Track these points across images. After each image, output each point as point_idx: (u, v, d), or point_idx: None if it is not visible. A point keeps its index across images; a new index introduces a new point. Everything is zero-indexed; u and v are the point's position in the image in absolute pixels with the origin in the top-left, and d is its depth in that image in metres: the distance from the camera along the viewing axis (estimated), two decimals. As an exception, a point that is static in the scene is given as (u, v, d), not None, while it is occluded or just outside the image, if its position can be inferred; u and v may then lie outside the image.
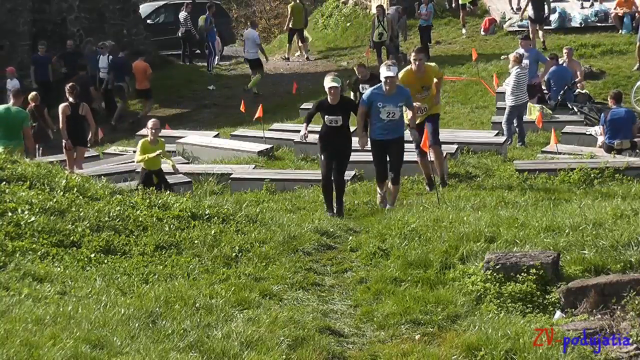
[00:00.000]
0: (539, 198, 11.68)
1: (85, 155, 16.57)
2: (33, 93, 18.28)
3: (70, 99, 15.16)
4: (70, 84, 15.80)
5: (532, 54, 18.42)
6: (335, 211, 11.62)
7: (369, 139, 11.76)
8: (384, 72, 11.36)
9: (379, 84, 11.69)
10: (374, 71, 18.38)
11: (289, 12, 28.24)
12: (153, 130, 13.48)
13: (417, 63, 12.48)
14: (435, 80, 12.72)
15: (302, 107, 20.92)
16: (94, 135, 15.83)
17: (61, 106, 15.28)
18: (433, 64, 13.29)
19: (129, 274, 8.78)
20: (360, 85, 17.90)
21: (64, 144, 15.36)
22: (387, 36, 24.83)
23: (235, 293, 8.15)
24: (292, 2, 28.20)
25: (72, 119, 15.12)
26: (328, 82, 11.57)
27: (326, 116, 11.63)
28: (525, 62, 17.39)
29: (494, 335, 7.06)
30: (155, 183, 12.94)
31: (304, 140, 12.18)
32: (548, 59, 19.13)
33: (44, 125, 18.46)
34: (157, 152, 13.40)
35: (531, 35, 21.55)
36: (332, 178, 11.66)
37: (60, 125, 15.27)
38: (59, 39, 25.24)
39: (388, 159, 11.75)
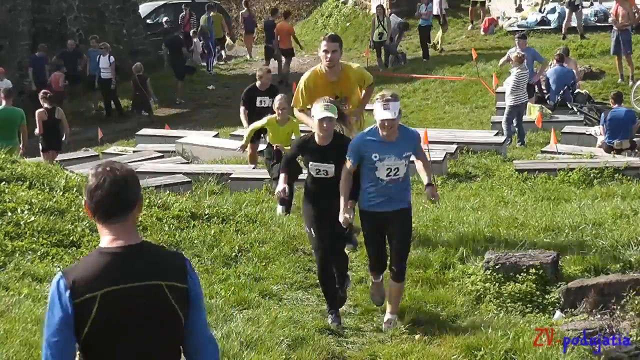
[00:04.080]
0: (539, 198, 11.68)
1: (85, 156, 16.65)
2: (137, 64, 22.84)
3: (46, 105, 15.67)
4: (43, 90, 16.56)
5: (529, 53, 18.43)
6: (337, 309, 7.84)
7: (354, 211, 7.63)
8: (379, 111, 7.18)
9: (370, 128, 7.44)
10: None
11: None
12: (280, 111, 11.52)
13: (328, 57, 8.58)
14: (354, 89, 9.00)
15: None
16: (67, 137, 16.24)
17: (38, 112, 15.82)
18: (357, 65, 9.33)
19: (128, 274, 8.77)
20: (258, 99, 13.47)
21: (40, 148, 15.89)
22: (387, 36, 24.83)
23: (235, 293, 8.15)
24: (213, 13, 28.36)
25: (49, 123, 15.64)
26: (319, 111, 7.45)
27: (311, 163, 7.59)
28: (525, 62, 17.40)
29: (493, 335, 7.06)
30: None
31: (282, 196, 8.28)
32: (545, 58, 19.16)
33: (145, 94, 22.16)
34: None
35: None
36: (331, 260, 7.76)
37: (37, 130, 15.74)
38: (59, 39, 25.24)
39: (387, 240, 7.66)
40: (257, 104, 13.45)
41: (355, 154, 7.34)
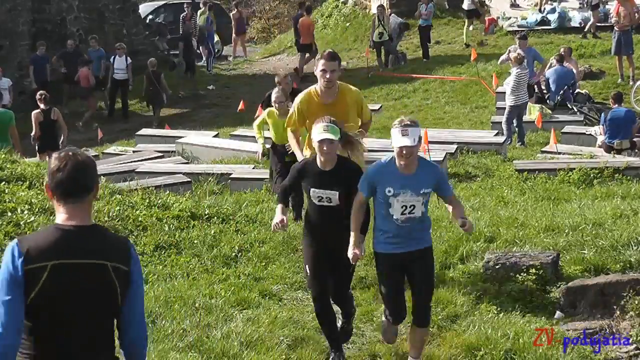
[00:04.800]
0: (539, 198, 11.68)
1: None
2: (152, 59, 23.13)
3: (42, 106, 15.76)
4: (40, 92, 16.49)
5: (530, 53, 18.44)
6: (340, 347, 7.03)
7: (365, 250, 6.88)
8: (397, 137, 6.35)
9: (387, 157, 6.64)
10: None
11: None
12: (277, 104, 11.12)
13: (327, 77, 7.62)
14: (352, 113, 7.91)
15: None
16: (65, 138, 16.26)
17: (33, 113, 15.91)
18: (355, 89, 8.15)
19: (128, 273, 8.78)
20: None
21: (36, 148, 15.99)
22: (387, 36, 24.83)
23: (235, 293, 8.15)
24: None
25: (45, 124, 15.74)
26: (318, 133, 6.65)
27: (313, 189, 6.77)
28: (524, 62, 17.41)
29: (493, 335, 7.07)
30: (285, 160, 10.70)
31: (279, 229, 6.91)
32: (545, 58, 19.17)
33: (159, 89, 22.13)
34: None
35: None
36: (331, 299, 6.99)
37: (33, 132, 15.88)
38: (59, 39, 25.24)
39: (407, 282, 6.80)
40: None
41: (368, 185, 6.52)
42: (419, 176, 6.44)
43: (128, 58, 23.26)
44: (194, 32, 27.34)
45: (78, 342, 3.89)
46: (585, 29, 24.26)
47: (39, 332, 3.86)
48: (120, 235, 4.46)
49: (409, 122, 6.37)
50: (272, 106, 11.66)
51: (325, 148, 6.61)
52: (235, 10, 29.26)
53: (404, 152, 6.32)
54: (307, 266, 6.89)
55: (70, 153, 3.96)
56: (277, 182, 10.91)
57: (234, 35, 29.65)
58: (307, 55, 25.53)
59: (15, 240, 3.89)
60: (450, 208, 6.67)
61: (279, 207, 6.87)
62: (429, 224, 6.80)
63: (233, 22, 29.58)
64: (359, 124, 8.01)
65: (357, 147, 7.00)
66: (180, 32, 27.37)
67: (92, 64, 23.34)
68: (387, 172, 6.44)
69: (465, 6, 25.90)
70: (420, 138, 6.41)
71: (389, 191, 6.41)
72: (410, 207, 6.43)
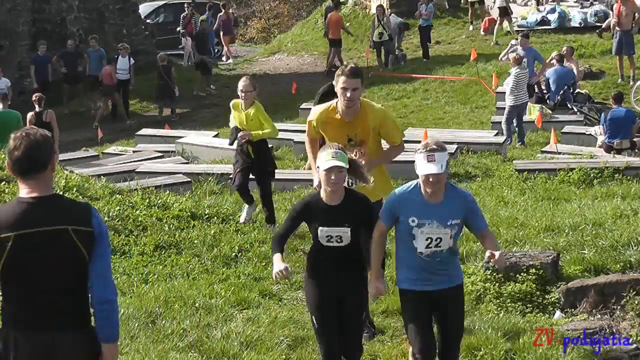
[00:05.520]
0: (539, 198, 11.68)
1: (85, 156, 16.65)
2: (162, 53, 23.54)
3: (36, 107, 15.88)
4: (36, 93, 16.61)
5: (530, 53, 18.44)
6: None
7: (386, 286, 6.60)
8: (422, 163, 5.70)
9: (412, 183, 5.94)
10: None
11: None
12: (243, 94, 10.47)
13: (348, 95, 6.90)
14: (373, 133, 7.14)
15: (301, 107, 20.90)
16: (56, 140, 16.29)
17: (28, 115, 15.99)
18: (379, 106, 7.41)
19: (128, 273, 8.78)
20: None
21: None
22: (387, 36, 24.84)
23: (235, 293, 8.15)
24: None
25: (37, 126, 15.57)
26: (325, 160, 5.87)
27: (321, 229, 5.94)
28: (524, 62, 17.41)
29: (493, 335, 7.06)
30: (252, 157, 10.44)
31: (282, 277, 5.94)
32: (545, 58, 19.18)
33: (170, 84, 22.51)
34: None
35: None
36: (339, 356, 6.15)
37: None
38: (59, 39, 25.24)
39: (435, 322, 6.12)
40: None
41: (390, 214, 5.89)
42: (446, 206, 5.79)
43: (131, 59, 23.28)
44: (194, 33, 27.36)
45: (46, 305, 4.19)
46: (603, 26, 23.94)
47: (10, 296, 4.22)
48: (81, 202, 4.72)
49: (435, 147, 5.71)
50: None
51: (333, 177, 5.80)
52: (223, 12, 29.09)
53: (431, 179, 5.68)
54: (313, 317, 6.08)
55: (24, 133, 4.25)
56: (237, 179, 10.49)
57: (221, 36, 29.44)
58: (333, 49, 25.71)
59: None
60: (483, 242, 5.98)
61: (277, 256, 5.94)
62: (458, 259, 6.12)
63: (220, 24, 29.18)
64: (382, 147, 7.31)
65: (361, 174, 6.22)
66: (187, 31, 27.38)
67: (114, 62, 23.46)
68: (411, 199, 5.81)
69: (496, 4, 25.80)
70: (448, 163, 5.77)
71: (413, 221, 5.78)
72: (436, 240, 5.77)
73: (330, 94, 10.85)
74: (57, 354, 4.22)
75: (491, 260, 5.76)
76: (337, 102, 7.11)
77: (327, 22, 25.81)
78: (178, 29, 28.94)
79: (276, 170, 11.09)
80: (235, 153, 10.87)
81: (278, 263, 5.88)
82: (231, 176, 10.95)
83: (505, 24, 25.52)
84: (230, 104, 10.83)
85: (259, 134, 10.44)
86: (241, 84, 10.49)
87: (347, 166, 5.89)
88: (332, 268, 5.96)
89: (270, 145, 11.32)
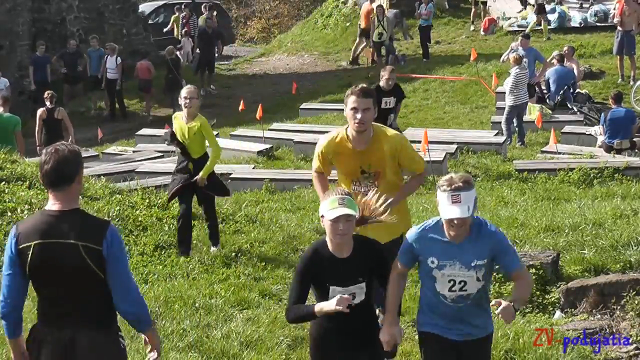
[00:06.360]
0: (539, 198, 11.68)
1: (85, 155, 16.64)
2: (170, 47, 23.57)
3: (47, 104, 16.01)
4: (48, 91, 16.70)
5: (531, 53, 18.44)
6: None
7: (403, 332, 5.52)
8: (445, 205, 4.98)
9: (433, 220, 5.24)
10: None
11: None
12: (186, 101, 9.45)
13: (358, 117, 6.18)
14: (390, 163, 6.44)
15: (301, 107, 20.91)
16: (71, 137, 16.36)
17: (38, 111, 16.19)
18: (394, 132, 6.68)
19: (128, 273, 8.78)
20: (384, 100, 12.71)
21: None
22: (387, 36, 24.85)
23: (235, 293, 8.15)
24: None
25: (48, 123, 15.95)
26: (331, 208, 5.05)
27: (333, 289, 5.09)
28: (524, 61, 17.41)
29: (493, 335, 7.06)
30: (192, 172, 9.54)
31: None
32: (546, 58, 19.18)
33: (178, 77, 22.41)
34: None
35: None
36: None
37: (36, 129, 16.13)
38: (59, 39, 25.23)
39: None
40: (382, 105, 12.52)
41: (408, 254, 5.20)
42: (471, 245, 5.07)
43: (119, 58, 23.26)
44: (194, 33, 27.32)
45: (67, 306, 4.56)
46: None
47: (40, 296, 4.66)
48: (102, 219, 4.89)
49: (461, 184, 4.94)
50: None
51: (341, 228, 4.98)
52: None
53: (455, 222, 4.97)
54: None
55: (53, 149, 4.57)
56: (172, 184, 9.67)
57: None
58: (362, 40, 25.81)
59: (14, 225, 4.69)
60: (515, 283, 5.25)
61: (314, 306, 5.04)
62: (488, 305, 5.29)
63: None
64: (401, 177, 6.64)
65: (375, 217, 5.46)
66: (189, 31, 27.34)
67: (148, 56, 23.61)
68: (431, 238, 5.11)
69: (532, 1, 25.68)
70: (475, 201, 5.03)
71: (432, 262, 5.10)
72: (460, 283, 5.08)
73: (377, 94, 10.30)
74: (76, 351, 4.56)
75: (496, 310, 5.02)
76: (347, 130, 6.35)
77: (362, 13, 25.80)
78: (165, 29, 28.89)
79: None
80: (174, 171, 9.86)
81: (330, 304, 4.95)
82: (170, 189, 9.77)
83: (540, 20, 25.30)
84: (173, 117, 9.83)
85: (208, 169, 9.49)
86: (185, 90, 9.55)
87: (357, 213, 5.13)
88: (346, 330, 5.10)
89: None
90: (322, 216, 5.08)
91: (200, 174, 9.40)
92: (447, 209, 4.94)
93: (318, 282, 5.09)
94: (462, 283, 5.07)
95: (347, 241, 5.07)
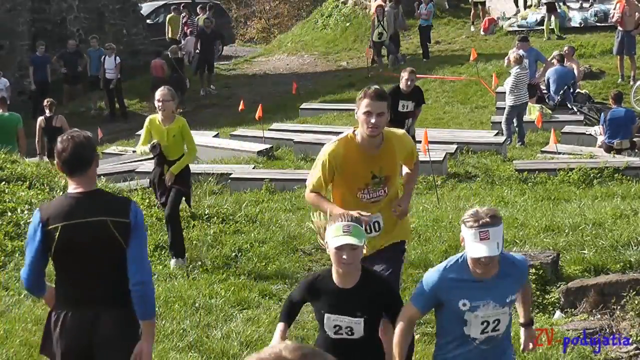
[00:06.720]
0: (539, 198, 11.68)
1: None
2: (174, 46, 24.04)
3: (46, 112, 16.05)
4: (47, 99, 16.70)
5: (531, 53, 18.44)
6: None
7: None
8: (472, 243, 4.57)
9: (453, 259, 4.80)
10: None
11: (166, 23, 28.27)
12: (160, 103, 9.23)
13: (372, 122, 5.80)
14: (402, 165, 6.24)
15: (301, 107, 20.91)
16: None
17: (38, 120, 16.22)
18: (402, 132, 6.39)
19: (128, 273, 8.77)
20: (401, 103, 12.39)
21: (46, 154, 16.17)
22: (386, 36, 24.84)
23: (235, 293, 8.15)
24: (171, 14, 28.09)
25: (47, 131, 15.95)
26: (336, 235, 4.77)
27: (327, 316, 4.87)
28: (525, 62, 17.41)
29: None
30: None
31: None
32: (547, 59, 19.17)
33: (182, 76, 22.83)
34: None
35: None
36: None
37: (36, 138, 16.16)
38: (59, 39, 25.24)
39: None
40: (400, 108, 12.23)
41: (428, 299, 4.73)
42: (502, 280, 4.69)
43: (117, 58, 23.26)
44: (195, 33, 27.32)
45: (90, 286, 4.76)
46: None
47: (61, 278, 4.86)
48: (121, 196, 5.28)
49: (488, 220, 4.54)
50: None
51: (345, 257, 4.69)
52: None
53: (482, 260, 4.56)
54: None
55: (70, 136, 4.82)
56: (161, 199, 9.40)
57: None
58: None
59: (38, 209, 4.91)
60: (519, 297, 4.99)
61: (280, 326, 5.01)
62: (510, 341, 4.97)
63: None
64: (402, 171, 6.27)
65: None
66: (188, 32, 27.35)
67: (163, 55, 23.68)
68: (456, 279, 4.66)
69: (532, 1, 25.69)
70: (503, 237, 4.67)
71: (464, 305, 4.64)
72: (494, 322, 4.68)
73: (395, 95, 10.81)
74: (99, 328, 4.74)
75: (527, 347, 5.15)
76: (354, 132, 5.97)
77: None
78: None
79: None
80: (154, 170, 9.59)
81: (278, 335, 4.96)
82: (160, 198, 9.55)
83: (552, 19, 25.25)
84: (146, 120, 9.47)
85: (180, 166, 9.27)
86: (159, 93, 9.27)
87: (363, 243, 4.78)
88: None
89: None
90: (326, 242, 4.81)
91: (171, 169, 9.18)
92: (475, 247, 4.53)
93: (315, 306, 4.93)
94: (496, 322, 4.70)
95: (351, 271, 4.77)
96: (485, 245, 4.49)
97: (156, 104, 9.20)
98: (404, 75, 12.58)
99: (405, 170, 6.25)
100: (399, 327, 4.73)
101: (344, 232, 4.71)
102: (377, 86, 6.01)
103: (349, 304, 4.76)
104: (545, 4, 25.13)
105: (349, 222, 4.76)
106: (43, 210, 4.84)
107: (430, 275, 4.74)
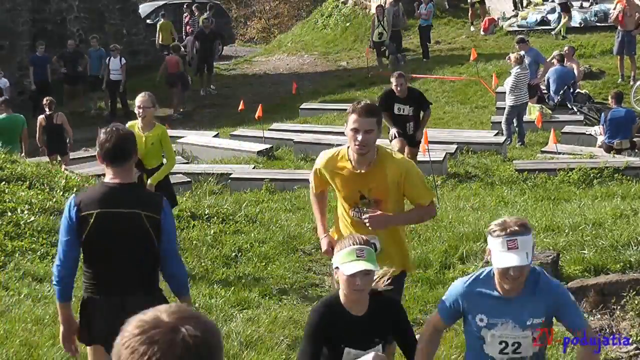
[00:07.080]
0: (539, 198, 11.68)
1: (85, 155, 16.68)
2: (176, 43, 24.10)
3: (46, 110, 16.00)
4: (47, 97, 16.67)
5: (531, 54, 18.44)
6: None
7: None
8: (499, 252, 4.22)
9: (483, 271, 4.48)
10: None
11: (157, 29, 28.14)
12: (140, 110, 9.03)
13: (359, 139, 5.44)
14: (394, 190, 5.61)
15: (301, 107, 20.92)
16: (70, 139, 16.42)
17: (38, 118, 16.15)
18: (401, 155, 6.10)
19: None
20: (396, 106, 12.32)
21: (46, 152, 16.18)
22: (387, 36, 24.84)
23: (235, 293, 8.15)
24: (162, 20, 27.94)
25: (48, 129, 15.97)
26: (348, 261, 4.40)
27: (348, 350, 4.52)
28: (525, 62, 17.41)
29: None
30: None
31: None
32: (547, 59, 19.17)
33: (184, 73, 23.20)
34: None
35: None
36: None
37: (37, 136, 16.11)
38: (59, 39, 25.24)
39: None
40: (396, 111, 12.23)
41: (452, 310, 4.49)
42: (526, 301, 4.33)
43: (122, 59, 23.25)
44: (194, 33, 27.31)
45: (119, 273, 4.97)
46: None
47: (90, 264, 5.06)
48: (156, 193, 5.57)
49: (517, 228, 4.21)
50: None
51: (359, 283, 4.35)
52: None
53: (511, 273, 4.21)
54: None
55: (114, 128, 5.09)
56: None
57: None
58: None
59: (73, 195, 5.18)
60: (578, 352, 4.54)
61: None
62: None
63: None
64: (402, 205, 5.80)
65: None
66: (188, 32, 27.37)
67: (181, 51, 23.80)
68: (480, 293, 4.38)
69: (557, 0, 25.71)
70: (534, 248, 4.34)
71: (481, 320, 4.38)
72: (513, 345, 4.38)
73: (389, 98, 11.01)
74: (126, 314, 4.63)
75: None
76: (348, 148, 5.63)
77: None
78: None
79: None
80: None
81: None
82: None
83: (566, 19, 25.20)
84: (127, 126, 8.61)
85: (159, 177, 9.16)
86: (139, 99, 9.03)
87: (377, 268, 4.45)
88: None
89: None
90: (337, 268, 4.43)
91: (150, 180, 9.02)
92: (502, 257, 4.17)
93: (331, 342, 4.48)
94: (516, 345, 4.38)
95: (363, 297, 4.47)
96: (515, 255, 4.15)
97: (136, 110, 9.00)
98: (392, 80, 12.33)
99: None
100: (422, 336, 4.56)
101: (357, 256, 4.35)
102: (367, 101, 5.68)
103: (367, 333, 4.48)
104: (560, 4, 25.13)
105: (362, 246, 4.38)
106: (78, 197, 5.05)
107: (455, 286, 4.52)
